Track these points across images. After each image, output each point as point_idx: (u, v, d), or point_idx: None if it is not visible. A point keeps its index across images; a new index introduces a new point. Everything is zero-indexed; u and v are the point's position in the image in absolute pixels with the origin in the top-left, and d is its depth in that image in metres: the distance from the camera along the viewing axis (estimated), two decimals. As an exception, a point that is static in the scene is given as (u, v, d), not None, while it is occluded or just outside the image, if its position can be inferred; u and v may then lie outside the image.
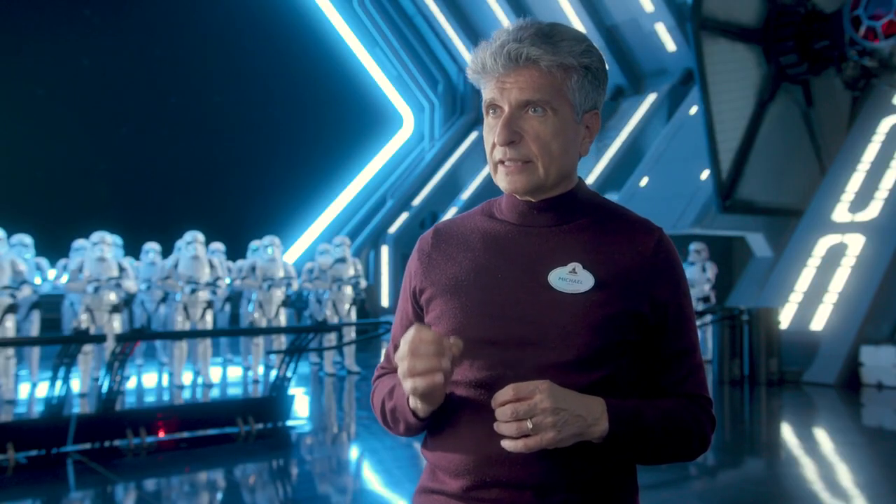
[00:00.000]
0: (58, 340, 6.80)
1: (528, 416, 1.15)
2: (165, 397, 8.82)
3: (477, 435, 1.24)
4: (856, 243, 10.60)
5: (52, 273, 10.52)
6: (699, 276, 11.57)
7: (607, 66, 1.33)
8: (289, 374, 7.03)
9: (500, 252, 1.31)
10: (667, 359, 1.30)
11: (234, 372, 10.68)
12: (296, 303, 13.05)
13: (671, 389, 1.31)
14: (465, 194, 18.75)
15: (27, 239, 9.91)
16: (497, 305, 1.26)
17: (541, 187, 1.29)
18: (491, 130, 1.29)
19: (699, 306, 11.31)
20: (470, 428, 1.24)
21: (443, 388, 1.20)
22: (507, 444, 1.17)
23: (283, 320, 10.38)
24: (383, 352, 1.49)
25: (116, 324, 8.80)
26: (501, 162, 1.28)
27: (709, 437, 1.32)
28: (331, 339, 10.37)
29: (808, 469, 6.01)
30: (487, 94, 1.28)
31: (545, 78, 1.24)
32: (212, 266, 9.70)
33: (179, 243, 10.20)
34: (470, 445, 1.25)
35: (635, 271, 1.27)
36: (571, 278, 1.25)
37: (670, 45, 16.04)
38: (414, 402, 1.23)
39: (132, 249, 11.04)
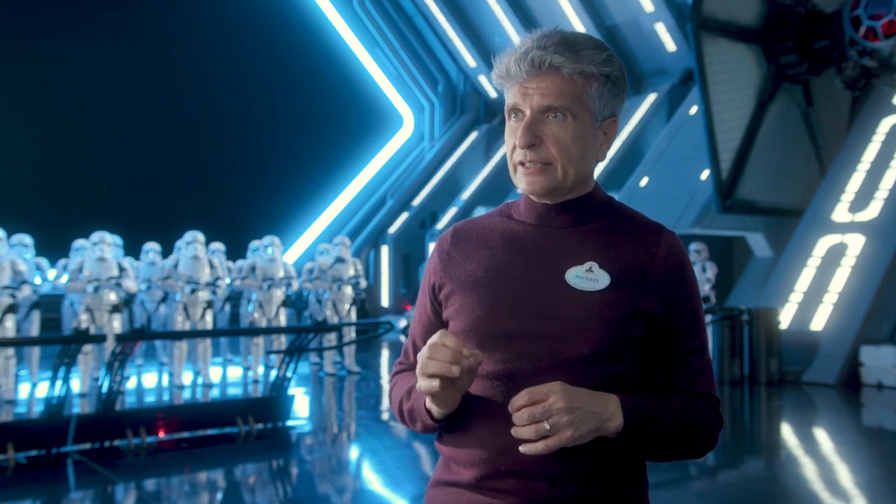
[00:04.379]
0: (58, 340, 6.79)
1: (544, 417, 1.18)
2: (165, 397, 8.81)
3: (492, 426, 1.27)
4: (856, 243, 10.60)
5: (52, 273, 10.51)
6: (699, 276, 11.57)
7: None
8: (289, 374, 7.03)
9: (518, 251, 1.35)
10: (677, 357, 1.34)
11: (234, 372, 10.67)
12: (296, 303, 13.05)
13: (681, 387, 1.34)
14: (465, 194, 18.73)
15: (27, 239, 9.90)
16: (515, 301, 1.30)
17: (558, 189, 1.33)
18: (512, 133, 1.33)
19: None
20: (485, 420, 1.28)
21: (455, 394, 1.24)
22: (526, 448, 1.19)
23: (283, 320, 10.37)
24: (402, 348, 1.53)
25: (116, 324, 8.80)
26: (521, 163, 1.32)
27: (716, 435, 1.36)
28: (331, 339, 10.36)
29: (808, 469, 6.01)
30: (510, 98, 1.32)
31: (566, 85, 1.28)
32: (212, 266, 9.70)
33: (179, 243, 10.20)
34: (485, 437, 1.28)
35: (649, 272, 1.31)
36: (588, 276, 1.29)
37: (670, 45, 16.04)
38: (429, 403, 1.28)
39: (132, 249, 11.04)
